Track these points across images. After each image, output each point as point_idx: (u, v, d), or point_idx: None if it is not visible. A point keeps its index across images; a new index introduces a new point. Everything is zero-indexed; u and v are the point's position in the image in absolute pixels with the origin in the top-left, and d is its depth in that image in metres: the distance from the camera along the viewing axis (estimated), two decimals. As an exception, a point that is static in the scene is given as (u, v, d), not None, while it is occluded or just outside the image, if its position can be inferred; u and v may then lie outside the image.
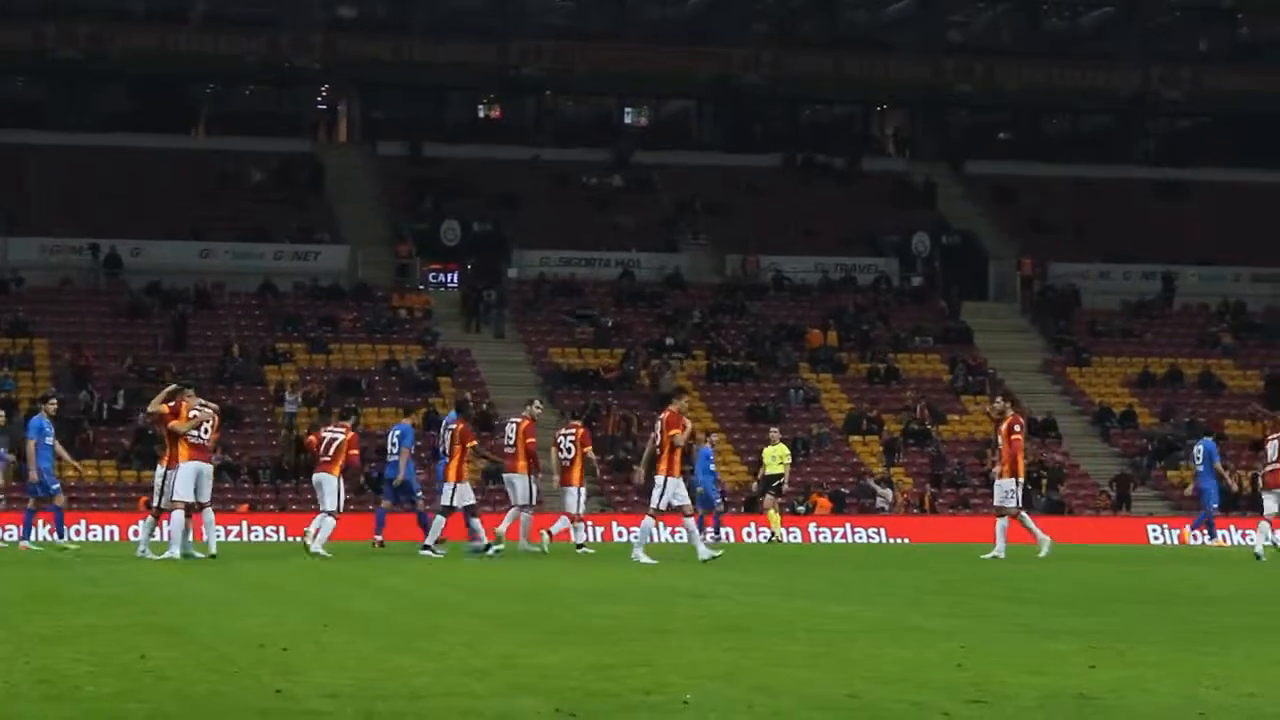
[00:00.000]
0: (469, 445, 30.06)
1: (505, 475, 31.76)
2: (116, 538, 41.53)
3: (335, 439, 29.73)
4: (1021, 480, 30.70)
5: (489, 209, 65.54)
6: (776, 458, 42.29)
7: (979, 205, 70.32)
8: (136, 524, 29.15)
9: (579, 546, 31.23)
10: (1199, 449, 38.30)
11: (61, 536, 32.34)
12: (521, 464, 31.00)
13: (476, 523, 30.04)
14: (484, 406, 52.03)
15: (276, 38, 67.26)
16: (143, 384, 54.30)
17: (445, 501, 29.94)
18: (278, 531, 43.72)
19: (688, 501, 27.89)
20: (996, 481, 31.09)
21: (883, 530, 46.71)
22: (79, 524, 41.70)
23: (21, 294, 58.66)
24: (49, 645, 13.14)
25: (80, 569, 24.63)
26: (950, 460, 54.92)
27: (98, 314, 58.54)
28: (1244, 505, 48.91)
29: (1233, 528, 44.95)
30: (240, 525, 43.68)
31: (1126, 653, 13.22)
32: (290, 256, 62.33)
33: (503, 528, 30.64)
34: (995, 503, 31.25)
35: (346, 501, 30.91)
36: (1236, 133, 75.51)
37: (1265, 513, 31.05)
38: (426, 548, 29.62)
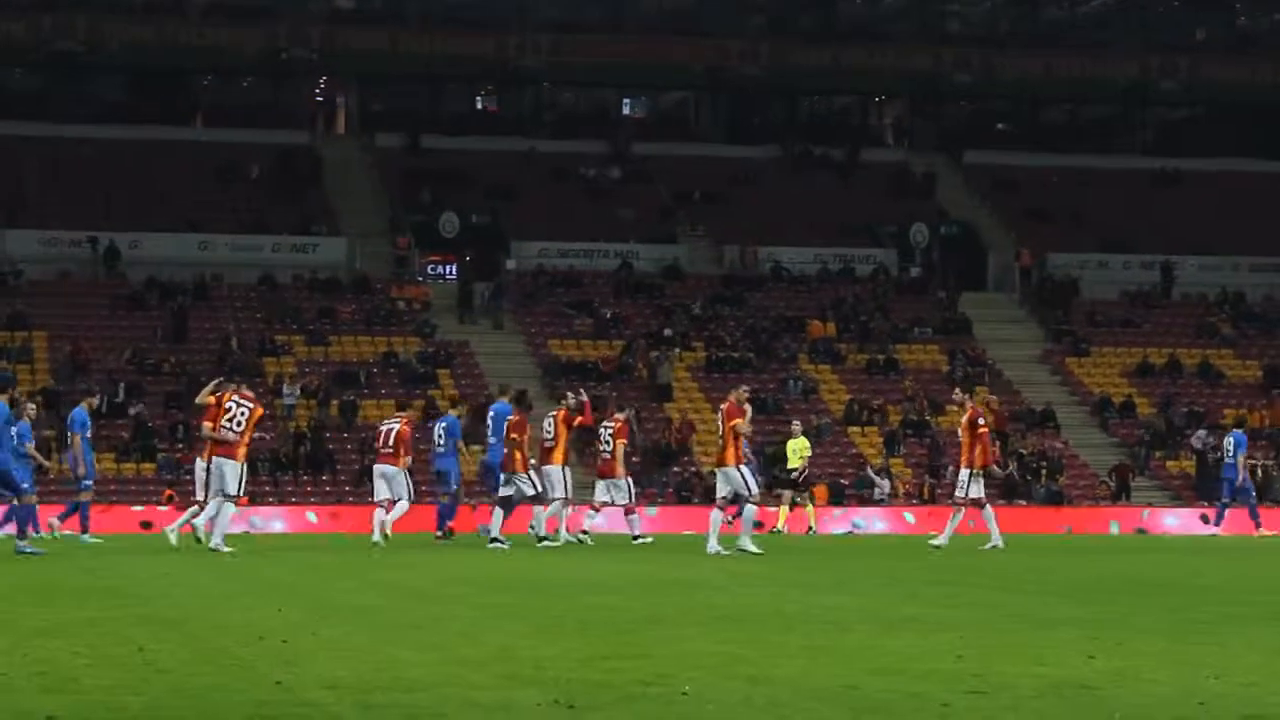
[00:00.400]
0: (514, 436, 29.82)
1: (544, 468, 31.03)
2: (116, 530, 41.48)
3: (393, 429, 30.02)
4: (978, 472, 30.36)
5: (487, 201, 65.53)
6: (797, 450, 42.14)
7: (977, 196, 70.34)
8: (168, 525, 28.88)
9: (635, 538, 31.27)
10: (1229, 440, 37.88)
11: (85, 531, 32.49)
12: (559, 456, 30.86)
13: (500, 518, 29.85)
14: (482, 399, 51.96)
15: (274, 29, 67.29)
16: (142, 377, 54.36)
17: (531, 492, 29.79)
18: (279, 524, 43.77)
19: (755, 491, 27.76)
20: (962, 471, 30.88)
21: (882, 520, 46.75)
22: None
23: (20, 286, 58.64)
24: (47, 638, 13.14)
25: (81, 560, 24.60)
26: (949, 451, 54.85)
27: (97, 306, 58.52)
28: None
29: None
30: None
31: (1126, 642, 13.22)
32: (289, 249, 62.30)
33: (540, 521, 30.44)
34: (963, 495, 31.25)
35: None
36: (1234, 122, 75.48)
37: None
38: (495, 540, 29.14)
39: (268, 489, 49.63)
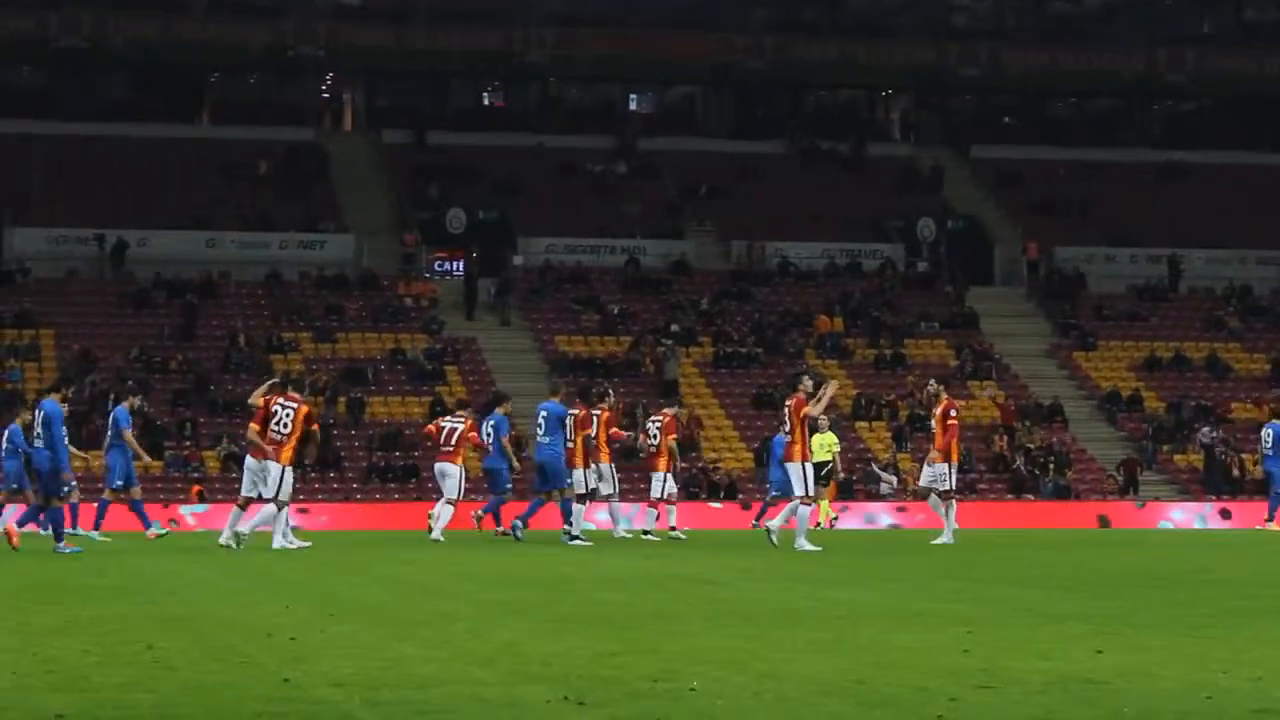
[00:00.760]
0: (585, 433, 29.78)
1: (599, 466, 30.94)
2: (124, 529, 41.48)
3: (455, 428, 30.50)
4: (955, 465, 30.36)
5: (494, 197, 65.53)
6: (825, 445, 42.06)
7: (984, 190, 70.29)
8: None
9: (671, 529, 31.33)
10: (1268, 432, 37.17)
11: (97, 528, 32.48)
12: (604, 454, 30.69)
13: (580, 514, 29.80)
14: (489, 397, 51.95)
15: (280, 26, 67.29)
16: (149, 374, 54.36)
17: (589, 488, 29.79)
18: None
19: (810, 491, 27.71)
20: (927, 464, 30.88)
21: (889, 515, 46.72)
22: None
23: (27, 284, 58.68)
24: (56, 636, 13.16)
25: (90, 559, 24.63)
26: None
27: (104, 304, 58.55)
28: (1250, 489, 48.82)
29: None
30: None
31: (1133, 637, 13.23)
32: (296, 246, 62.32)
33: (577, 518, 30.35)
34: (921, 483, 31.28)
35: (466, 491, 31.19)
36: (1241, 115, 75.42)
37: None
38: (574, 538, 28.98)
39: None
